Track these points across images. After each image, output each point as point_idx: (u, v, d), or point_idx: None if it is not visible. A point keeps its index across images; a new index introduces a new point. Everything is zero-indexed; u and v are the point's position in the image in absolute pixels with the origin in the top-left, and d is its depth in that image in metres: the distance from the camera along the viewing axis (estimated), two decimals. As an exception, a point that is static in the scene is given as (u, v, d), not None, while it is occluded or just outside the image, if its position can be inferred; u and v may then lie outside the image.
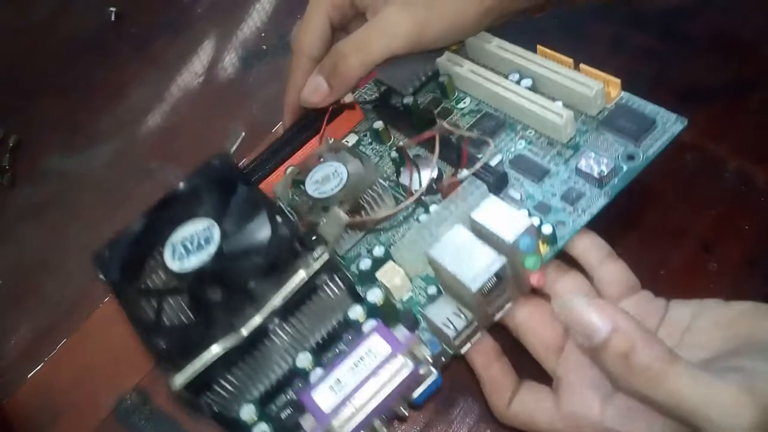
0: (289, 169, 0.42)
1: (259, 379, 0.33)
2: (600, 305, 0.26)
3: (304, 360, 0.33)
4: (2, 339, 0.42)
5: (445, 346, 0.32)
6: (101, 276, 0.35)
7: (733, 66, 0.47)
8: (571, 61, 0.40)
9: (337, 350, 0.35)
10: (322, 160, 0.40)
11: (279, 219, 0.33)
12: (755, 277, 0.40)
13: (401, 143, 0.40)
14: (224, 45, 0.51)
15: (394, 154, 0.41)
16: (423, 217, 0.36)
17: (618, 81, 0.38)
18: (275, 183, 0.41)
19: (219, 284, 0.34)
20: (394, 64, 0.42)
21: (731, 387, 0.24)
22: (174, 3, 0.52)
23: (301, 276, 0.32)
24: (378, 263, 0.35)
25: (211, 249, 0.33)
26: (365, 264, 0.35)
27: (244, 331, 0.32)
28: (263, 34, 0.55)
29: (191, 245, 0.34)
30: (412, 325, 0.33)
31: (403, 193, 0.40)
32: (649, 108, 0.38)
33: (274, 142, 0.43)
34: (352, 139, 0.44)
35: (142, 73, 0.50)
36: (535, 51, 0.42)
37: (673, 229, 0.41)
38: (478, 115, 0.42)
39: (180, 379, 0.30)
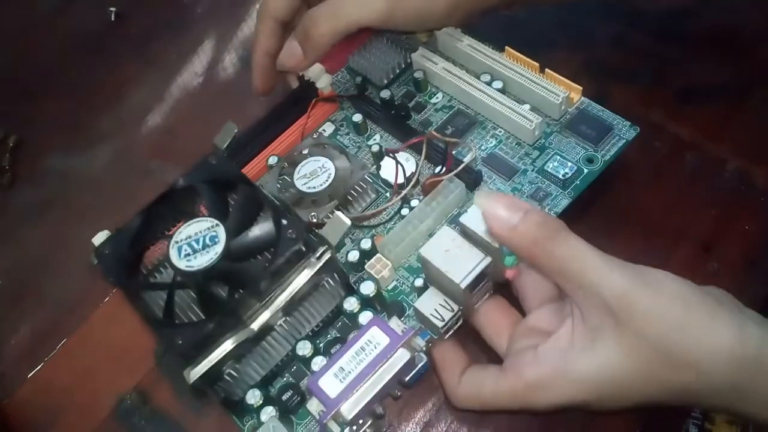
0: (273, 159, 0.42)
1: (261, 366, 0.36)
2: (513, 198, 0.32)
3: (304, 348, 0.36)
4: (2, 339, 0.42)
5: (432, 334, 0.35)
6: (105, 272, 0.35)
7: (732, 66, 0.47)
8: (537, 65, 0.42)
9: (329, 336, 0.37)
10: (307, 153, 0.41)
11: (285, 222, 0.34)
12: (755, 277, 0.40)
13: (390, 148, 0.41)
14: (224, 45, 0.51)
15: (375, 147, 0.42)
16: (405, 212, 0.39)
17: (580, 88, 0.42)
18: (263, 174, 0.42)
19: (226, 282, 0.35)
20: (370, 55, 0.44)
21: (614, 258, 0.30)
22: (174, 3, 0.52)
23: (306, 276, 0.34)
24: (364, 255, 0.38)
25: (218, 248, 0.34)
26: (353, 256, 0.38)
27: (255, 327, 0.34)
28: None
29: (197, 244, 0.34)
30: (400, 312, 0.37)
31: (383, 186, 0.42)
32: (606, 115, 0.42)
33: (251, 129, 0.44)
34: (329, 129, 0.45)
35: (142, 73, 0.50)
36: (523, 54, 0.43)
37: (673, 229, 0.41)
38: (451, 112, 0.44)
39: (195, 372, 0.32)
